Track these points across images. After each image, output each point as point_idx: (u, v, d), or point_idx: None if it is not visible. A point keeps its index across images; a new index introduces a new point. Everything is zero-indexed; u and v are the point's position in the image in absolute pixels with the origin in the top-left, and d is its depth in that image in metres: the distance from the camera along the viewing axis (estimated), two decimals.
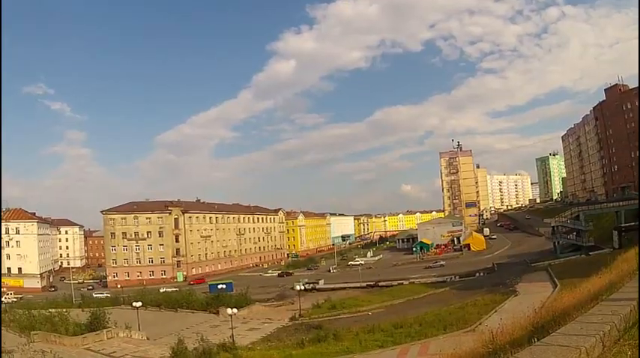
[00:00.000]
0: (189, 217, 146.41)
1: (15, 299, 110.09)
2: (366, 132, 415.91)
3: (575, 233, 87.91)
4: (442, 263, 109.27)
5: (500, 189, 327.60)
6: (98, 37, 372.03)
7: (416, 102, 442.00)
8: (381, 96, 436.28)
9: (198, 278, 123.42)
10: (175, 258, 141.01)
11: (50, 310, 68.91)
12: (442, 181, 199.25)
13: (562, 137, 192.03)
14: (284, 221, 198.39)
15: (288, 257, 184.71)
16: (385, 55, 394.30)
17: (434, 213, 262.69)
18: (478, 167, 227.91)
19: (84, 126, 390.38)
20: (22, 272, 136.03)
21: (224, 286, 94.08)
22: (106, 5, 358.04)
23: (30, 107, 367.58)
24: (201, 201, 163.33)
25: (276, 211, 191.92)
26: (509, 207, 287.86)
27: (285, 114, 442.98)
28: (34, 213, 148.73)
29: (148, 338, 57.57)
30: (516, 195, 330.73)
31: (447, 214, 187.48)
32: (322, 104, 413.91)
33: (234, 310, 55.95)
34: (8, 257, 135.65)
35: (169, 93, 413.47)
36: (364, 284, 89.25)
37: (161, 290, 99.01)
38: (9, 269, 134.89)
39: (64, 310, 68.68)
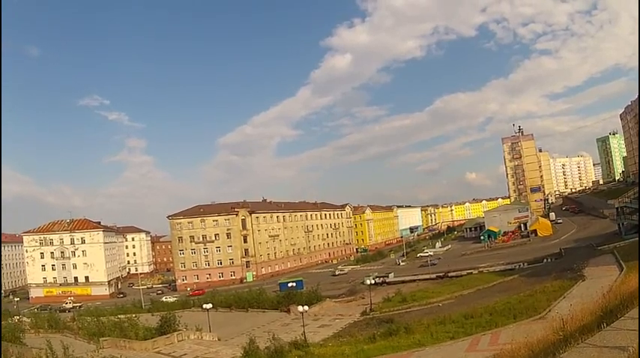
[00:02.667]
0: (257, 217, 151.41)
1: (72, 306, 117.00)
2: (427, 121, 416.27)
3: (638, 213, 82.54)
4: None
5: (564, 172, 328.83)
6: (152, 46, 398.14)
7: (474, 88, 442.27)
8: (439, 85, 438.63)
9: (197, 290, 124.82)
10: (244, 259, 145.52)
11: (119, 316, 70.95)
12: (506, 167, 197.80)
13: (620, 115, 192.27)
14: (351, 216, 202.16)
15: (357, 252, 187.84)
16: (440, 43, 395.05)
17: (499, 200, 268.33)
18: (540, 151, 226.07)
19: (143, 134, 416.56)
20: (90, 281, 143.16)
21: (294, 284, 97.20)
22: (160, 12, 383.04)
23: (88, 119, 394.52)
24: (268, 200, 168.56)
25: (343, 206, 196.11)
26: (573, 190, 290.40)
27: (345, 109, 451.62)
28: (99, 222, 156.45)
29: (219, 339, 59.28)
30: (579, 177, 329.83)
31: (512, 200, 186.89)
32: (381, 96, 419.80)
33: (305, 307, 56.75)
34: (75, 266, 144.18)
35: (229, 96, 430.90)
36: (434, 276, 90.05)
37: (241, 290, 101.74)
38: (75, 278, 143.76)
39: (134, 315, 70.89)
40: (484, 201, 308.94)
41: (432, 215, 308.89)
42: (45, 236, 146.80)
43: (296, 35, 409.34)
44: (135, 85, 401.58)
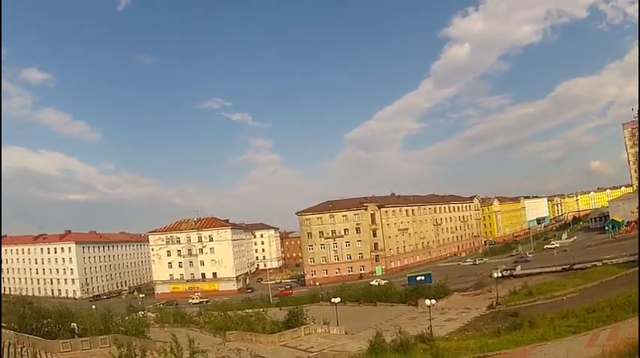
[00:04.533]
0: (386, 211, 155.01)
1: (198, 301, 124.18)
2: (549, 108, 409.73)
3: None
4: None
5: None
6: (272, 49, 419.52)
7: (592, 72, 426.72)
8: (558, 70, 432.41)
9: (285, 290, 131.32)
10: (374, 253, 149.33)
11: (247, 310, 75.75)
12: (627, 154, 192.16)
13: None
14: (479, 208, 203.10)
15: (485, 244, 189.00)
16: (554, 26, 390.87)
17: (622, 188, 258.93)
18: None
19: (269, 133, 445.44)
20: (217, 277, 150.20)
21: (422, 277, 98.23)
22: (277, 15, 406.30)
23: (211, 121, 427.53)
24: (396, 194, 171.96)
25: (471, 199, 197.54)
26: None
27: (468, 100, 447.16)
28: (227, 220, 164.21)
29: (346, 333, 61.46)
30: None
31: (634, 188, 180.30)
32: (503, 85, 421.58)
33: (432, 301, 58.54)
34: (202, 263, 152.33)
35: (352, 92, 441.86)
36: (559, 268, 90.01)
37: (373, 283, 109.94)
38: (203, 274, 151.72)
39: (261, 310, 73.83)
40: (608, 190, 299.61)
41: (559, 205, 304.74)
42: (172, 234, 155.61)
43: (413, 28, 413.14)
44: (256, 86, 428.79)
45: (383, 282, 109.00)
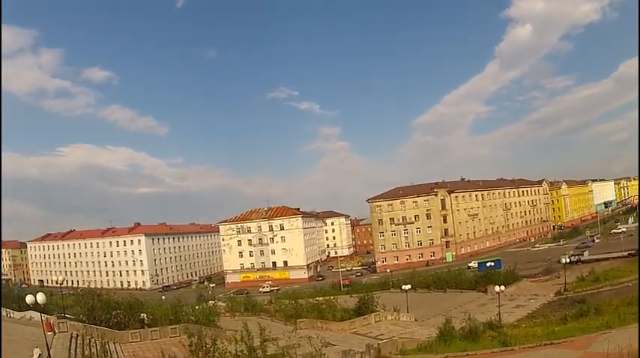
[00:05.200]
0: (455, 197, 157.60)
1: (269, 290, 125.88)
2: (613, 88, 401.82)
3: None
4: None
5: None
6: (336, 37, 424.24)
7: None
8: (619, 49, 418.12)
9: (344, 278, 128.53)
10: (444, 239, 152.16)
11: (317, 298, 75.93)
12: None
13: None
14: (548, 192, 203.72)
15: (553, 229, 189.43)
16: (612, 4, 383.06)
17: None
18: None
19: (336, 121, 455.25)
20: (288, 265, 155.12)
21: (492, 263, 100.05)
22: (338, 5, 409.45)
23: (279, 111, 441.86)
24: (466, 179, 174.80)
25: (539, 183, 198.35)
26: None
27: (534, 81, 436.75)
28: (298, 209, 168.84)
29: (415, 320, 63.00)
30: None
31: None
32: (566, 65, 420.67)
33: (502, 287, 60.11)
34: (273, 252, 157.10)
35: (418, 77, 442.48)
36: (626, 253, 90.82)
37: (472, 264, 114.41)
38: (274, 263, 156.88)
39: (332, 297, 75.75)
40: None
41: (625, 188, 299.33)
42: (242, 224, 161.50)
43: (476, 9, 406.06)
44: (322, 75, 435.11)
45: (473, 265, 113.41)
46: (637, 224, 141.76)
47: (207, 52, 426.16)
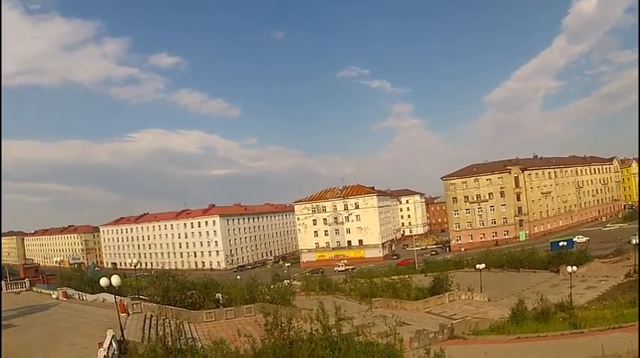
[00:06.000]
0: (529, 174, 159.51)
1: (344, 269, 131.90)
2: None
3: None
4: None
5: None
6: (405, 15, 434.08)
7: None
8: None
9: (405, 260, 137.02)
10: (517, 218, 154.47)
11: (392, 277, 78.27)
12: None
13: None
14: (618, 170, 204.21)
15: (624, 208, 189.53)
16: None
17: None
18: None
19: (409, 98, 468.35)
20: (363, 244, 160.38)
21: (564, 243, 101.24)
22: None
23: (351, 89, 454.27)
24: (538, 156, 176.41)
25: (610, 160, 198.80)
26: None
27: (601, 55, 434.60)
28: (373, 187, 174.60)
29: (488, 300, 63.98)
30: None
31: None
32: (633, 38, 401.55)
33: (574, 268, 59.86)
34: (348, 231, 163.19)
35: (490, 52, 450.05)
36: None
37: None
38: (349, 242, 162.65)
39: (407, 276, 77.46)
40: None
41: None
42: (317, 203, 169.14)
43: None
44: (393, 52, 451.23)
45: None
46: None
47: (275, 34, 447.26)
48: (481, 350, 31.04)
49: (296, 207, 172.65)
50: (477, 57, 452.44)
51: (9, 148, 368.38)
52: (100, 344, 26.05)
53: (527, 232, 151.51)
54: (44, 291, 65.28)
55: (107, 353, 25.13)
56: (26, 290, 66.92)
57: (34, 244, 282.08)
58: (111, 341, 27.40)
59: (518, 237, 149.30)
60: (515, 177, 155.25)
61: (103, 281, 35.12)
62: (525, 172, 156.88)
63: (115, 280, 33.78)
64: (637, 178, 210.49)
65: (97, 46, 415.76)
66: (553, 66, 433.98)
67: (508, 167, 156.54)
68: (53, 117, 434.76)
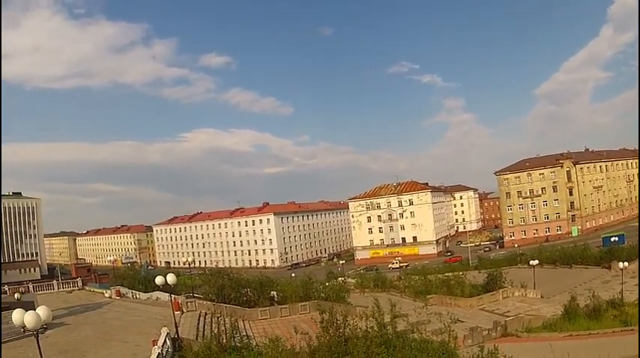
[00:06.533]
0: (580, 168, 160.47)
1: (398, 266, 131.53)
2: None
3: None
4: None
5: None
6: (453, 8, 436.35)
7: None
8: None
9: (453, 257, 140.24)
10: (570, 213, 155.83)
11: (446, 274, 79.35)
12: None
13: None
14: None
15: None
16: None
17: None
18: None
19: (460, 93, 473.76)
20: (417, 241, 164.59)
21: (616, 238, 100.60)
22: None
23: (401, 85, 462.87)
24: (589, 149, 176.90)
25: None
26: None
27: None
28: (427, 183, 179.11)
29: (541, 297, 64.39)
30: None
31: None
32: None
33: (625, 263, 59.88)
34: (402, 227, 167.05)
35: (537, 44, 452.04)
36: None
37: None
38: (403, 239, 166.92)
39: (461, 273, 79.66)
40: None
41: None
42: (371, 200, 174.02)
43: None
44: (442, 46, 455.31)
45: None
46: None
47: (324, 30, 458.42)
48: (534, 348, 32.56)
49: (350, 204, 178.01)
50: (525, 49, 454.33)
51: (59, 150, 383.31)
52: (154, 342, 27.92)
53: (579, 227, 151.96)
54: (97, 290, 69.28)
55: (162, 350, 26.72)
56: (78, 289, 70.86)
57: (86, 244, 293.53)
58: (165, 339, 29.15)
59: (571, 233, 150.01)
60: (567, 171, 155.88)
61: (159, 280, 37.27)
62: (577, 166, 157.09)
63: (171, 278, 35.37)
64: None
65: (145, 47, 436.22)
66: (601, 56, 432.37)
67: (560, 161, 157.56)
68: (104, 118, 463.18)
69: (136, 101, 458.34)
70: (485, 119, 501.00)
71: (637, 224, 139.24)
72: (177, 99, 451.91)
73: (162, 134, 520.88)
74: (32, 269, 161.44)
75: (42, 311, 16.60)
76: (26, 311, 17.12)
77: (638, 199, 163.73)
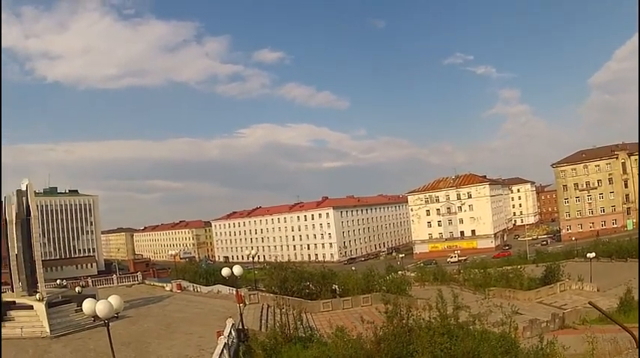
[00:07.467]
0: (635, 160, 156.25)
1: (457, 260, 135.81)
2: None
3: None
4: None
5: None
6: None
7: None
8: None
9: (503, 252, 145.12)
10: (625, 205, 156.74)
11: (505, 267, 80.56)
12: None
13: None
14: None
15: None
16: None
17: None
18: None
19: (515, 83, 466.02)
20: (476, 234, 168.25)
21: None
22: None
23: (456, 77, 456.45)
24: None
25: None
26: None
27: None
28: (485, 176, 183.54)
29: (597, 290, 64.62)
30: None
31: None
32: None
33: None
34: (461, 221, 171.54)
35: (588, 32, 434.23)
36: None
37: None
38: (462, 232, 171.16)
39: (519, 266, 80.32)
40: None
41: None
42: (430, 194, 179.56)
43: None
44: (495, 38, 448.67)
45: None
46: None
47: (377, 22, 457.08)
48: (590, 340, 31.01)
49: (409, 198, 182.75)
50: (576, 37, 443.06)
51: (116, 148, 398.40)
52: (219, 333, 28.62)
53: (634, 221, 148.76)
54: (157, 284, 72.75)
55: (227, 340, 27.51)
56: (138, 283, 73.36)
57: (144, 240, 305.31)
58: (230, 330, 30.10)
59: (626, 226, 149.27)
60: (622, 162, 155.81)
61: (225, 271, 38.11)
62: (632, 157, 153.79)
63: (237, 270, 36.60)
64: None
65: (198, 45, 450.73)
66: None
67: (615, 152, 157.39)
68: (161, 116, 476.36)
69: (191, 99, 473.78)
70: (541, 110, 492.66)
71: None
72: (232, 96, 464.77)
73: (219, 130, 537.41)
74: (89, 264, 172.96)
75: (114, 300, 17.31)
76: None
77: None
